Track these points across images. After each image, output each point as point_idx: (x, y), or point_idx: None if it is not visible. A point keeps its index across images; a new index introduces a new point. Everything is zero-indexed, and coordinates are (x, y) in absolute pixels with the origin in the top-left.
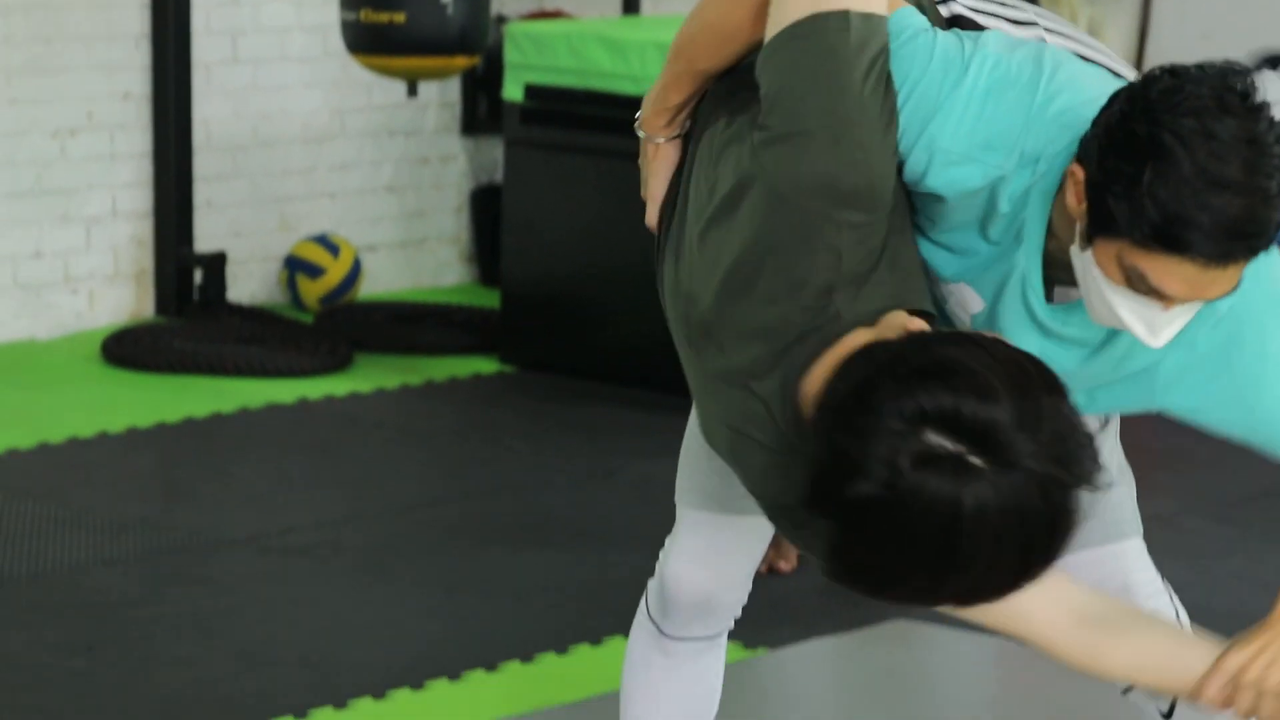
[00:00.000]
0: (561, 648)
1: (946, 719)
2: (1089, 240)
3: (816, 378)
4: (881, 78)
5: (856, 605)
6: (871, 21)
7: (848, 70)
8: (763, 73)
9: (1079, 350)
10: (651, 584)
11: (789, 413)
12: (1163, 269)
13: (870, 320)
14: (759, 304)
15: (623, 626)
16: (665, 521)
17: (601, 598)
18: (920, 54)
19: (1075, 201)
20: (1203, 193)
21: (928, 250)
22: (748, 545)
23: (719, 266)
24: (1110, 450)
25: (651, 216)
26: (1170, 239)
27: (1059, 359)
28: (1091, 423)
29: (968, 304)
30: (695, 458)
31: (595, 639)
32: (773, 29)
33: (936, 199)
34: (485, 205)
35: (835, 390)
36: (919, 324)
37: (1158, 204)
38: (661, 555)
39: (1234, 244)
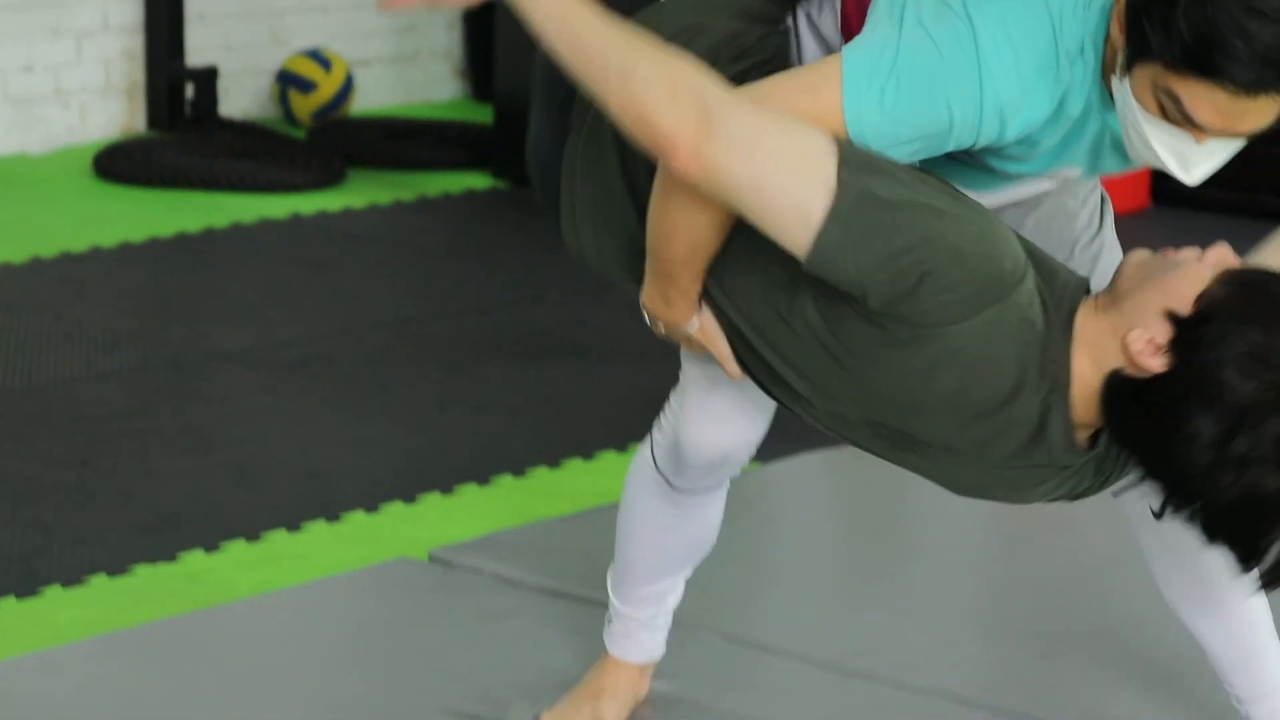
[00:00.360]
0: (554, 462)
1: (935, 533)
2: (1128, 68)
3: (1087, 384)
4: (915, 160)
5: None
6: (865, 133)
7: (901, 189)
8: (844, 266)
9: None
10: (659, 438)
11: (1064, 424)
12: (1194, 94)
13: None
14: (972, 418)
15: (614, 441)
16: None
17: (594, 412)
18: (926, 59)
19: (1117, 30)
20: (1239, 17)
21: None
22: (763, 399)
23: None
24: None
25: (735, 370)
26: (1202, 61)
27: None
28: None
29: (1068, 174)
30: None
31: (587, 453)
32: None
33: (1026, 142)
34: (479, 20)
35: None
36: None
37: (1192, 25)
38: (670, 415)
39: (1267, 71)
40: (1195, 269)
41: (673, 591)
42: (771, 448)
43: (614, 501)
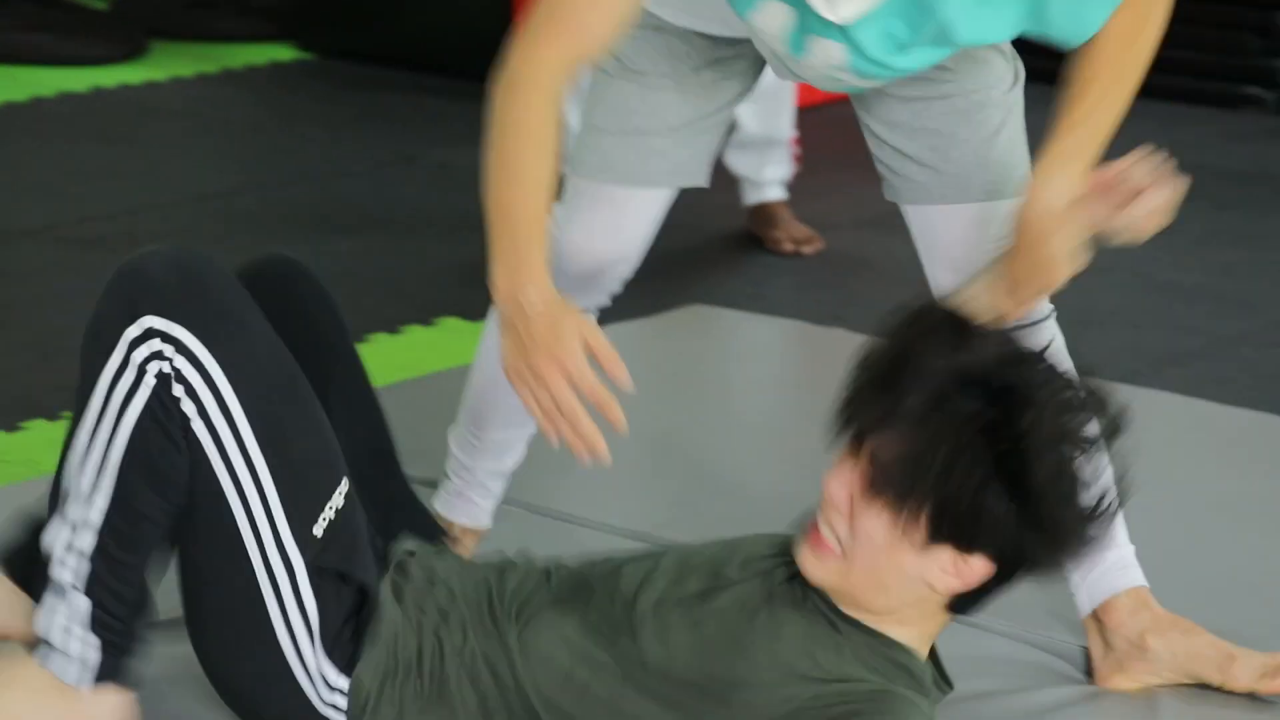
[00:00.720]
0: (359, 335)
1: (743, 401)
2: None
3: None
4: None
5: (655, 291)
6: None
7: None
8: None
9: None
10: None
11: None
12: None
13: None
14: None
15: (420, 315)
16: (466, 209)
17: (400, 285)
18: None
19: None
20: None
21: None
22: (650, 214)
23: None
24: None
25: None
26: None
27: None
28: None
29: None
30: (597, 132)
31: (392, 328)
32: None
33: None
34: None
35: None
36: None
37: None
38: (551, 224)
39: None
40: (882, 546)
41: (514, 449)
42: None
43: (420, 376)
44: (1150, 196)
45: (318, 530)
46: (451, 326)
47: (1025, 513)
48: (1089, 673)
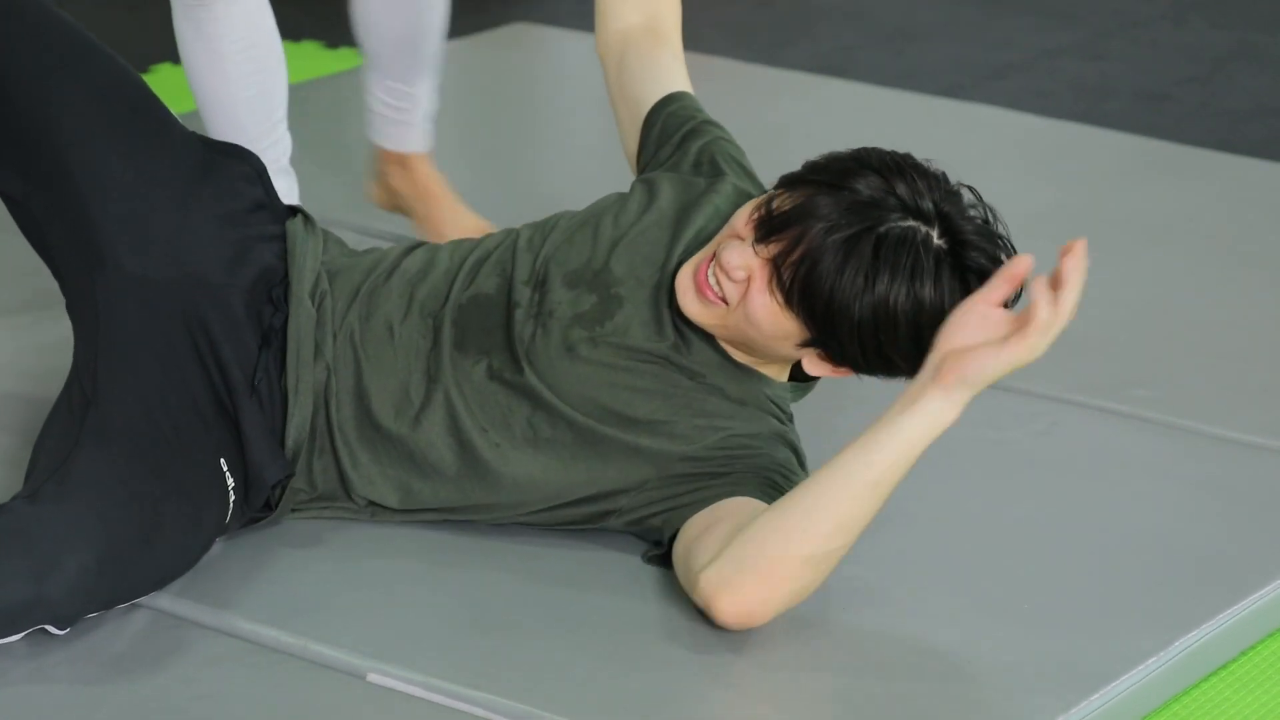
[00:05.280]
0: None
1: (568, 120)
2: None
3: None
4: None
5: (479, 10)
6: None
7: None
8: None
9: None
10: None
11: None
12: None
13: None
14: None
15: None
16: None
17: None
18: None
19: None
20: None
21: None
22: None
23: None
24: None
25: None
26: None
27: None
28: None
29: None
30: None
31: None
32: None
33: None
34: None
35: None
36: None
37: None
38: None
39: None
40: (759, 308)
41: (279, 143)
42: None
43: None
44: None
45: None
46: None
47: (908, 345)
48: None
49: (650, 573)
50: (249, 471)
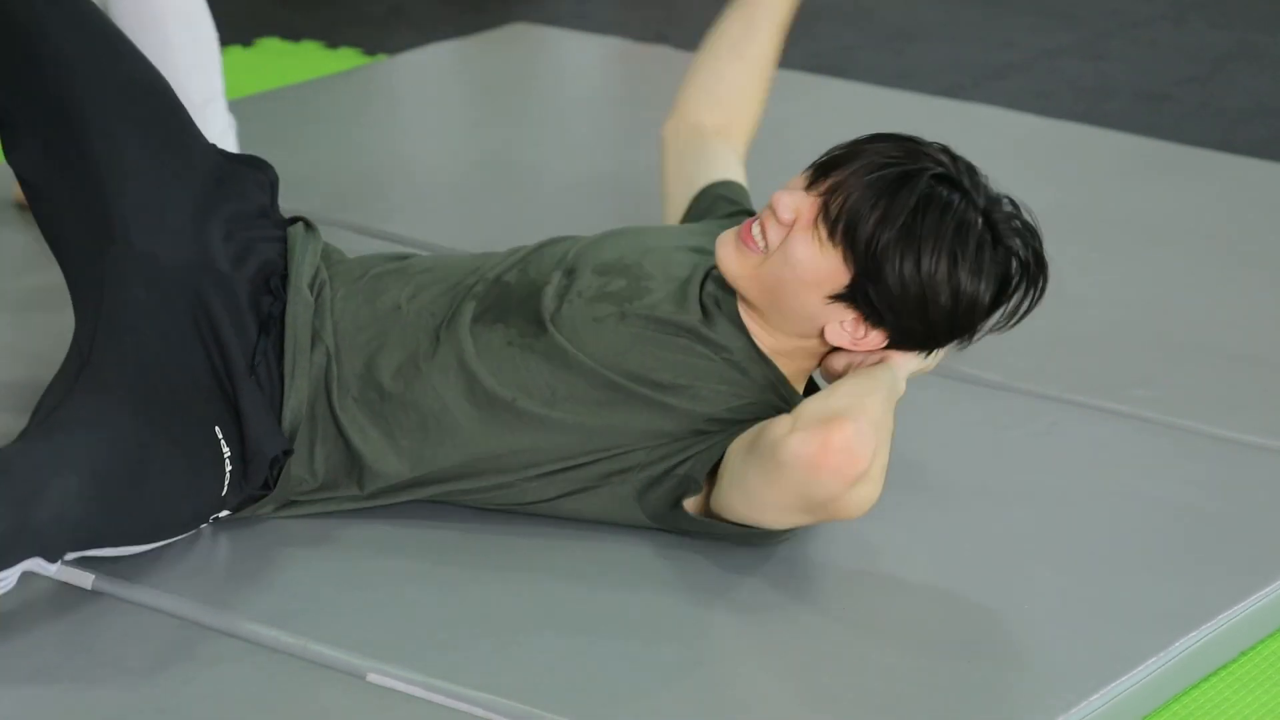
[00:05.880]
0: None
1: (566, 119)
2: None
3: None
4: None
5: (478, 11)
6: None
7: None
8: None
9: None
10: None
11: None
12: None
13: None
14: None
15: (239, 35)
16: None
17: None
18: None
19: None
20: None
21: None
22: None
23: None
24: None
25: None
26: None
27: None
28: None
29: None
30: None
31: None
32: None
33: None
34: None
35: None
36: None
37: None
38: None
39: None
40: (801, 246)
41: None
42: (398, 39)
43: (239, 98)
44: None
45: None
46: (271, 47)
47: (949, 310)
48: None
49: (650, 573)
50: (247, 447)
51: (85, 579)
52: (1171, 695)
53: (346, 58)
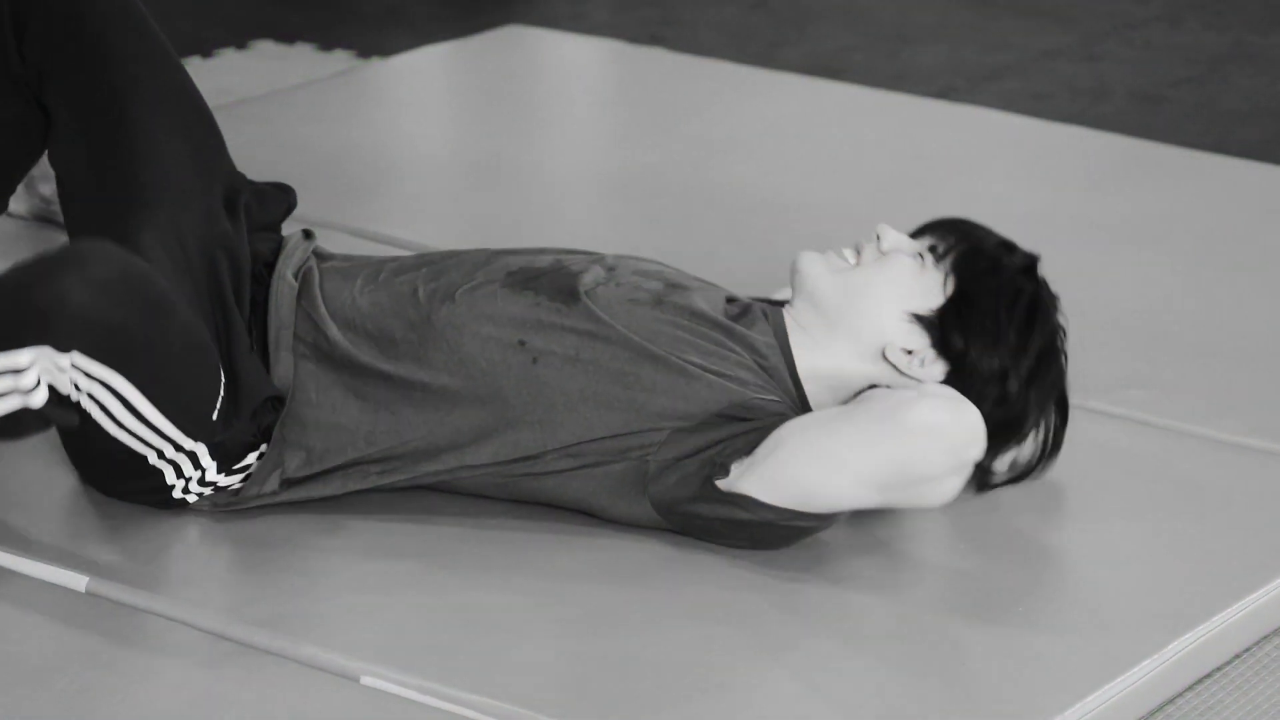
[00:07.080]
0: None
1: (562, 122)
2: None
3: None
4: None
5: (473, 13)
6: None
7: None
8: None
9: None
10: None
11: None
12: None
13: None
14: None
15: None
16: None
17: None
18: None
19: None
20: None
21: None
22: None
23: None
24: None
25: None
26: None
27: None
28: None
29: None
30: None
31: (206, 52)
32: None
33: None
34: None
35: None
36: None
37: None
38: None
39: None
40: (902, 262)
41: None
42: (393, 41)
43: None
44: None
45: (213, 416)
46: (265, 49)
47: (1008, 367)
48: None
49: (650, 573)
50: (239, 394)
51: (79, 581)
52: (1167, 698)
53: (341, 60)
